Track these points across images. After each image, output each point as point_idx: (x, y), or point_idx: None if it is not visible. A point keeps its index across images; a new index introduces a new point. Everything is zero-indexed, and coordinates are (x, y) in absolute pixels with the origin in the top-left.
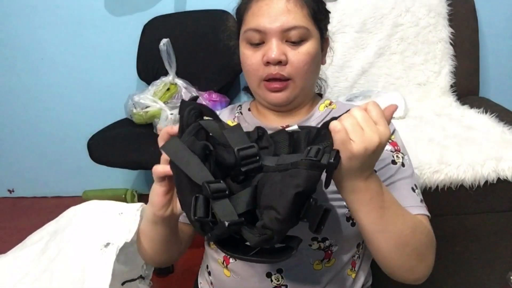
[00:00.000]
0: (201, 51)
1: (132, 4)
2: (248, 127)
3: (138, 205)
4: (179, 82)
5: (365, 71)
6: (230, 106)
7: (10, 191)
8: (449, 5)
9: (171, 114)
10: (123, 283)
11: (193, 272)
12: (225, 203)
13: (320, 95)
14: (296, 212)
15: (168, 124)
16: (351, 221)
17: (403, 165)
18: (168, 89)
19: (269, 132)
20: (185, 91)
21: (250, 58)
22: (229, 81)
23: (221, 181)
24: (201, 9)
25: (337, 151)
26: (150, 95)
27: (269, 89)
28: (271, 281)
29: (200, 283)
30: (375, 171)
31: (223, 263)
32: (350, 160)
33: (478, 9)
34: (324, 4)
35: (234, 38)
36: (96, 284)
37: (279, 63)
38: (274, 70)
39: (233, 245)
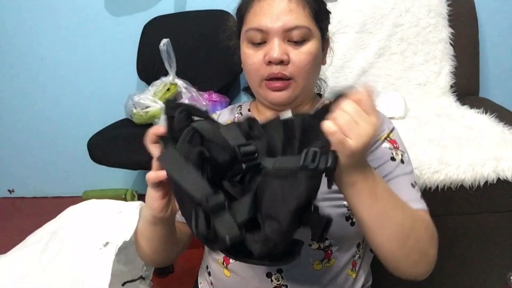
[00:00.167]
0: (201, 51)
1: (132, 4)
2: None
3: (137, 204)
4: (179, 82)
5: (365, 71)
6: (230, 107)
7: (10, 191)
8: (449, 5)
9: None
10: (123, 284)
11: (193, 272)
12: (224, 217)
13: (320, 95)
14: (297, 220)
15: None
16: (350, 221)
17: (402, 162)
18: (168, 89)
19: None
20: (185, 91)
21: (252, 57)
22: (229, 81)
23: (220, 191)
24: (201, 9)
25: (334, 153)
26: (150, 95)
27: (271, 88)
28: (271, 281)
29: (200, 283)
30: (374, 169)
31: (223, 263)
32: (349, 158)
33: (478, 9)
34: (325, 5)
35: (234, 38)
36: (96, 284)
37: (281, 62)
38: (276, 69)
39: (236, 248)
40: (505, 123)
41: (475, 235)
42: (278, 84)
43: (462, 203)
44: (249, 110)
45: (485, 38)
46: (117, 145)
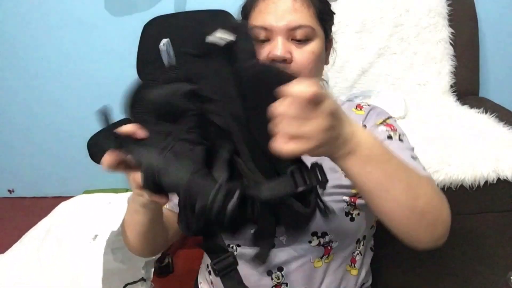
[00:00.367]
0: None
1: (132, 4)
2: None
3: (127, 194)
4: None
5: (365, 71)
6: None
7: (10, 191)
8: (449, 5)
9: None
10: (125, 286)
11: (193, 272)
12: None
13: None
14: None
15: None
16: (350, 216)
17: (400, 140)
18: None
19: None
20: None
21: None
22: None
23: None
24: (201, 9)
25: (318, 165)
26: None
27: None
28: (272, 279)
29: (200, 283)
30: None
31: None
32: (321, 153)
33: (478, 9)
34: (329, 6)
35: None
36: (90, 276)
37: (283, 61)
38: None
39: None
40: (505, 123)
41: (475, 235)
42: None
43: (462, 203)
44: None
45: (485, 38)
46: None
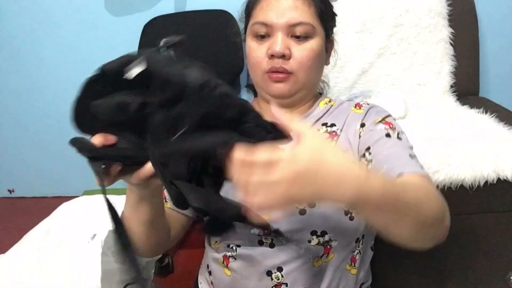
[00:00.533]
0: (201, 51)
1: (132, 4)
2: None
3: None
4: None
5: (365, 71)
6: None
7: (10, 191)
8: (449, 5)
9: None
10: (125, 286)
11: (193, 272)
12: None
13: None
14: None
15: None
16: (349, 215)
17: (399, 138)
18: None
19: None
20: None
21: (255, 50)
22: (229, 81)
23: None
24: (201, 9)
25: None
26: None
27: (272, 79)
28: (271, 279)
29: (201, 283)
30: (368, 153)
31: (223, 263)
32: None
33: (478, 9)
34: (331, 7)
35: (240, 35)
36: (90, 277)
37: (282, 56)
38: (277, 63)
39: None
40: (505, 123)
41: (475, 235)
42: (279, 74)
43: (462, 203)
44: None
45: (485, 38)
46: None
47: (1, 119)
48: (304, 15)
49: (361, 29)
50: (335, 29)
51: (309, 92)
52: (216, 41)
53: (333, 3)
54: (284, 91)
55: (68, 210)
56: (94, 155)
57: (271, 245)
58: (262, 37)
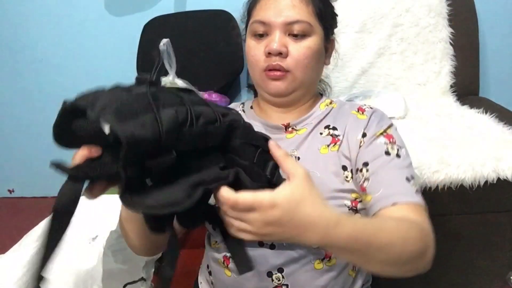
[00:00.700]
0: (201, 51)
1: (132, 4)
2: None
3: None
4: (179, 82)
5: (365, 71)
6: (233, 104)
7: (10, 191)
8: (449, 5)
9: None
10: (125, 286)
11: (193, 272)
12: None
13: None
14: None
15: None
16: None
17: (398, 156)
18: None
19: (268, 131)
20: None
21: (254, 49)
22: (229, 81)
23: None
24: (201, 9)
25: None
26: None
27: (269, 77)
28: (272, 280)
29: (201, 283)
30: (366, 170)
31: (223, 263)
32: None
33: (478, 9)
34: (331, 7)
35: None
36: (90, 277)
37: (279, 54)
38: (274, 61)
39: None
40: (505, 123)
41: (475, 235)
42: (276, 72)
43: (462, 203)
44: (251, 107)
45: (485, 38)
46: None
47: (1, 119)
48: (301, 13)
49: (361, 29)
50: (335, 29)
51: (307, 91)
52: (216, 41)
53: (333, 3)
54: (281, 89)
55: None
56: (74, 175)
57: (272, 246)
58: (260, 36)
